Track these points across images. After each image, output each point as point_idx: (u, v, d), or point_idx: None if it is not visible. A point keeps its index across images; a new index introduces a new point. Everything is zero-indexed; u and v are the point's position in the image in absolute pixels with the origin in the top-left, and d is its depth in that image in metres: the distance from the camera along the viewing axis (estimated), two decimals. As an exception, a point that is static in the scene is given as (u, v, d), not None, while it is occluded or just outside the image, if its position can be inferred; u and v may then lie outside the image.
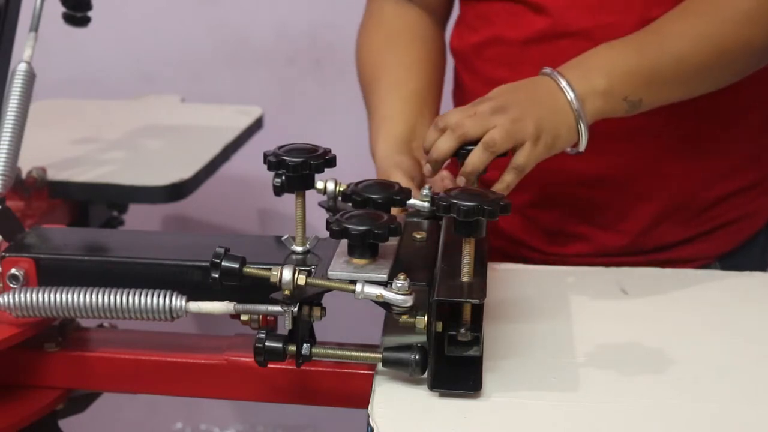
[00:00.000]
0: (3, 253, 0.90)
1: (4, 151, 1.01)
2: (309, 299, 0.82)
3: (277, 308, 0.82)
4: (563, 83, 0.94)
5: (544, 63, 0.98)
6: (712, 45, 0.97)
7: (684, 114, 1.07)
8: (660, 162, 1.10)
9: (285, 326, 0.82)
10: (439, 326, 0.81)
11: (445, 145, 0.93)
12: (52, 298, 0.87)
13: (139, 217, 1.51)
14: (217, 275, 0.81)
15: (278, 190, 0.91)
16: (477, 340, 0.81)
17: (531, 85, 0.97)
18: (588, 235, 1.14)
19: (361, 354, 0.84)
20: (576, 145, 0.96)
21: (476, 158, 0.91)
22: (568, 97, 0.94)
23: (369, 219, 0.83)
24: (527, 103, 0.93)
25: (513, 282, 1.02)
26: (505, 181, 0.92)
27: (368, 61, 1.19)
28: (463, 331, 0.81)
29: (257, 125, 1.54)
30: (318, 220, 1.20)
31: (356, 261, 0.84)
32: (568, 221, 1.15)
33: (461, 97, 1.22)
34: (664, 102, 1.00)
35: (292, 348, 0.82)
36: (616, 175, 1.11)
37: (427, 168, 0.95)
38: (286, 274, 0.79)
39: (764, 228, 1.20)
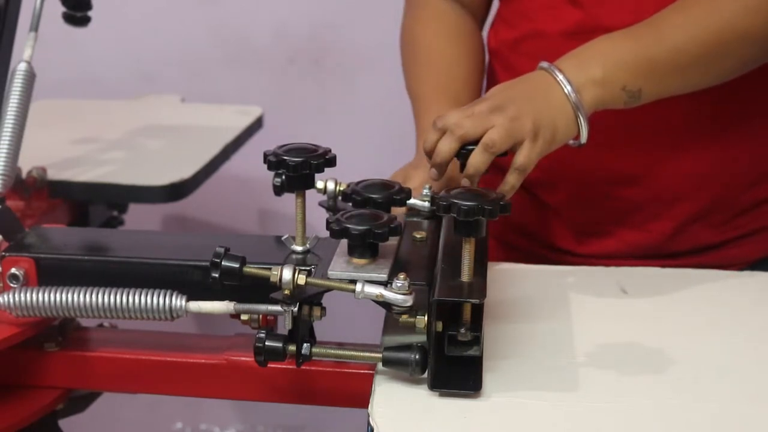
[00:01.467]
0: (3, 253, 0.90)
1: (4, 150, 1.01)
2: (309, 299, 0.82)
3: (277, 308, 0.82)
4: (559, 76, 0.94)
5: None
6: (710, 35, 0.97)
7: (722, 114, 1.07)
8: (696, 162, 1.10)
9: (285, 326, 0.82)
10: (439, 326, 0.81)
11: (446, 146, 0.92)
12: (52, 298, 0.87)
13: (139, 217, 1.51)
14: (217, 275, 0.81)
15: (278, 190, 0.91)
16: (477, 340, 0.81)
17: (527, 81, 0.97)
18: (620, 235, 1.14)
19: (361, 354, 0.84)
20: (577, 137, 0.95)
21: (477, 160, 0.91)
22: (565, 90, 0.94)
23: (369, 219, 0.83)
24: (524, 99, 0.93)
25: (513, 282, 1.02)
26: (509, 183, 0.92)
27: (425, 45, 1.19)
28: (463, 330, 0.81)
29: (257, 125, 1.54)
30: (318, 220, 1.21)
31: (356, 261, 0.84)
32: (602, 221, 1.15)
33: None
34: (665, 94, 1.00)
35: (292, 348, 0.82)
36: (652, 174, 1.11)
37: (432, 172, 0.95)
38: (286, 273, 0.79)
39: None
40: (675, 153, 1.10)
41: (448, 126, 0.93)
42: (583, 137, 0.95)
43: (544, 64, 0.97)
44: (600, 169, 1.11)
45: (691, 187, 1.11)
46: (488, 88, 1.24)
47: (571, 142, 0.96)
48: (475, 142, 0.92)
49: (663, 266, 1.06)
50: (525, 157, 0.91)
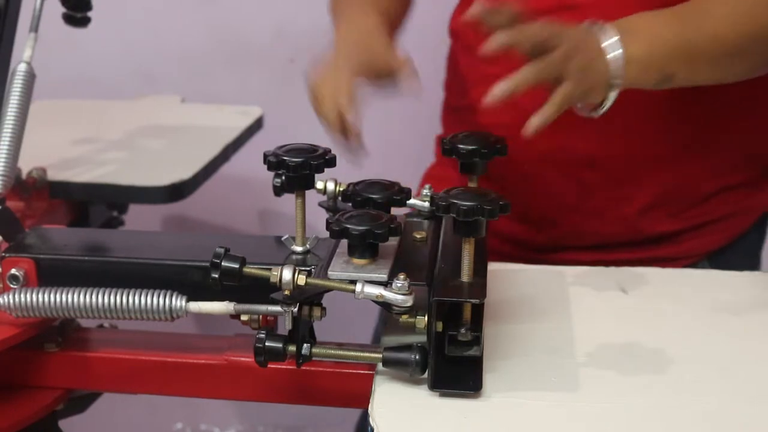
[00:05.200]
0: (3, 254, 0.90)
1: (4, 151, 1.01)
2: (309, 299, 0.82)
3: (277, 308, 0.82)
4: (606, 42, 0.92)
5: None
6: (752, 26, 0.97)
7: (687, 105, 1.07)
8: (655, 149, 1.11)
9: (285, 326, 0.82)
10: (440, 326, 0.81)
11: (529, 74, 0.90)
12: (52, 299, 0.87)
13: (139, 217, 1.51)
14: (217, 275, 0.81)
15: (278, 190, 0.91)
16: (477, 340, 0.81)
17: (584, 35, 0.94)
18: (581, 223, 1.15)
19: (361, 354, 0.84)
20: (596, 107, 0.94)
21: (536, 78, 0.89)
22: (612, 63, 0.92)
23: (369, 219, 0.83)
24: (583, 52, 0.91)
25: (513, 282, 1.02)
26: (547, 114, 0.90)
27: None
28: (463, 331, 0.81)
29: (257, 125, 1.54)
30: (318, 220, 1.20)
31: (356, 261, 0.84)
32: (561, 207, 1.15)
33: (455, 81, 1.22)
34: (693, 82, 0.99)
35: (292, 348, 0.82)
36: (608, 156, 1.11)
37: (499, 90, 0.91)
38: (286, 274, 0.79)
39: (753, 227, 1.20)
40: (629, 136, 1.10)
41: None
42: (604, 109, 0.94)
43: (596, 24, 0.94)
44: (558, 150, 1.10)
45: (646, 171, 1.12)
46: (449, 78, 1.25)
47: (586, 112, 0.95)
48: None
49: (626, 259, 1.07)
50: (562, 96, 0.89)
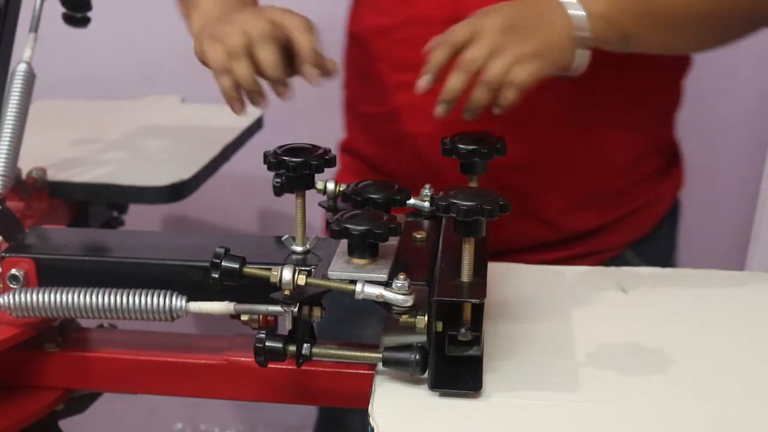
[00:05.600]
0: (3, 254, 0.90)
1: (4, 151, 1.01)
2: (309, 299, 0.82)
3: (277, 308, 0.82)
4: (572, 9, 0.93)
5: None
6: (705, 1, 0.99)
7: (596, 105, 1.09)
8: (572, 150, 1.12)
9: (285, 326, 0.82)
10: (440, 326, 0.81)
11: (458, 83, 0.90)
12: (52, 299, 0.87)
13: (139, 217, 1.51)
14: (217, 275, 0.81)
15: (278, 190, 0.91)
16: (477, 340, 0.81)
17: (533, 3, 0.94)
18: (506, 226, 1.15)
19: (362, 354, 0.84)
20: (568, 69, 0.95)
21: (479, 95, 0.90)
22: (573, 18, 0.92)
23: (369, 219, 0.83)
24: (532, 20, 0.92)
25: (513, 282, 1.02)
26: (508, 99, 0.90)
27: None
28: (463, 330, 0.81)
29: (257, 125, 1.54)
30: (318, 220, 1.20)
31: (356, 261, 0.84)
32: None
33: (366, 88, 1.18)
34: (656, 47, 1.00)
35: (292, 348, 0.82)
36: (536, 162, 1.12)
37: (439, 110, 0.92)
38: (286, 274, 0.79)
39: (668, 214, 1.23)
40: (547, 140, 1.11)
41: (464, 62, 0.90)
42: (581, 68, 0.94)
43: None
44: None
45: (566, 173, 1.13)
46: (349, 78, 1.22)
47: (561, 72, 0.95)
48: None
49: (558, 258, 1.08)
50: (527, 72, 0.89)
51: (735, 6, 1.01)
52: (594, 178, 1.14)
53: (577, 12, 0.93)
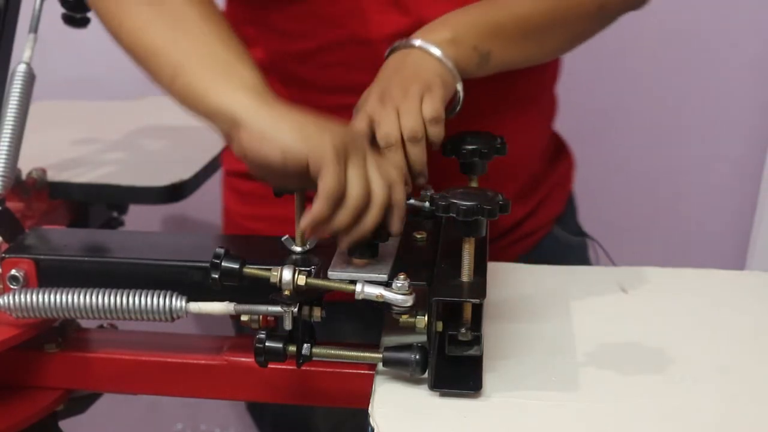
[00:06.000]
0: (3, 254, 0.90)
1: (4, 152, 1.01)
2: (309, 299, 0.82)
3: (277, 309, 0.82)
4: (416, 42, 0.94)
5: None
6: (550, 4, 1.01)
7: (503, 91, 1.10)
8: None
9: (284, 326, 0.82)
10: (440, 326, 0.81)
11: (397, 157, 0.89)
12: (52, 299, 0.87)
13: (139, 217, 1.51)
14: (217, 276, 0.81)
15: (278, 191, 0.91)
16: (477, 340, 0.81)
17: (388, 65, 0.95)
18: None
19: (362, 354, 0.84)
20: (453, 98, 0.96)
21: (414, 153, 0.89)
22: (428, 50, 0.94)
23: (369, 219, 0.83)
24: (399, 75, 0.92)
25: (513, 282, 1.02)
26: (435, 136, 0.90)
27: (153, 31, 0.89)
28: (463, 330, 0.81)
29: (257, 126, 1.54)
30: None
31: (356, 261, 0.84)
32: None
33: None
34: (510, 63, 1.02)
35: (293, 348, 0.82)
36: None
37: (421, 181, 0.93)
38: (286, 274, 0.79)
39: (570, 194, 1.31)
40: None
41: (382, 142, 0.89)
42: (458, 105, 0.95)
43: (395, 45, 0.96)
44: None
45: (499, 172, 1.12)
46: None
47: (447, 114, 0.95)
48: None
49: (495, 248, 1.09)
50: (430, 106, 0.90)
51: (588, 3, 1.03)
52: (520, 170, 1.17)
53: (429, 46, 0.94)
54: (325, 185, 0.78)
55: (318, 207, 0.78)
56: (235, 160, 0.94)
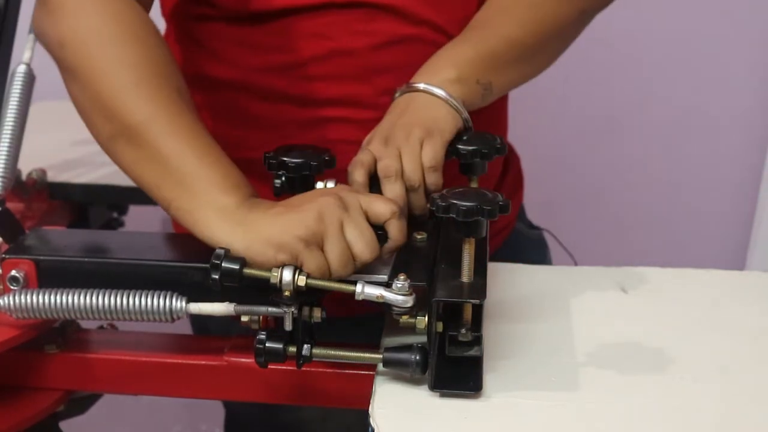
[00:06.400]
0: (3, 255, 0.90)
1: (4, 152, 1.01)
2: (309, 300, 0.82)
3: (278, 309, 0.82)
4: (420, 86, 0.95)
5: (399, 64, 1.01)
6: (537, 26, 1.03)
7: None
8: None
9: (285, 327, 0.82)
10: (440, 326, 0.81)
11: (398, 190, 0.91)
12: (52, 300, 0.87)
13: (139, 218, 1.51)
14: (217, 276, 0.81)
15: (278, 191, 0.91)
16: (477, 340, 0.81)
17: (393, 109, 0.96)
18: None
19: (362, 354, 0.84)
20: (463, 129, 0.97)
21: (415, 200, 0.91)
22: (434, 92, 0.95)
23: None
24: (403, 119, 0.94)
25: (513, 282, 1.02)
26: (433, 183, 0.92)
27: (109, 90, 0.88)
28: (463, 331, 0.81)
29: (257, 126, 1.54)
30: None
31: (356, 262, 0.84)
32: None
33: (253, 134, 1.08)
34: (508, 87, 1.04)
35: (293, 349, 0.82)
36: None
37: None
38: (287, 275, 0.79)
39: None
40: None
41: (381, 175, 0.90)
42: (467, 119, 0.96)
43: (398, 91, 0.97)
44: None
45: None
46: (236, 121, 1.09)
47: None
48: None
49: None
50: (431, 153, 0.91)
51: (569, 8, 1.05)
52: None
53: (432, 88, 0.95)
54: (310, 270, 0.81)
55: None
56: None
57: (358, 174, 0.90)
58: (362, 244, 0.82)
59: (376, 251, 0.83)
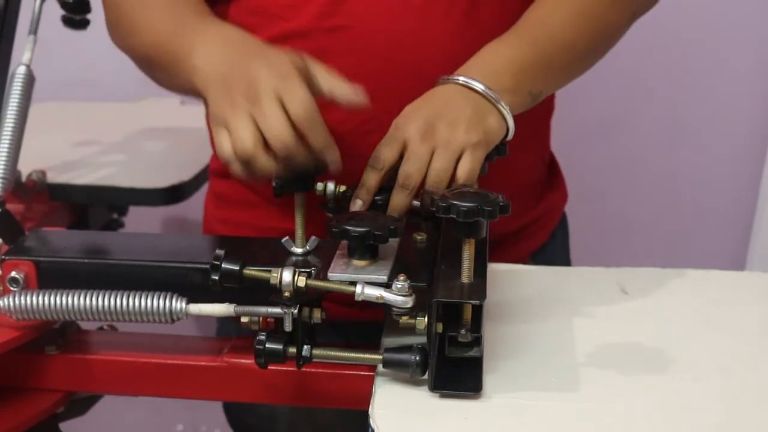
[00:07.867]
0: (3, 256, 0.90)
1: (4, 154, 1.01)
2: (309, 301, 0.82)
3: (278, 310, 0.82)
4: (480, 87, 0.93)
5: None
6: (593, 25, 1.01)
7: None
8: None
9: (285, 328, 0.82)
10: (440, 327, 0.81)
11: (402, 201, 0.90)
12: (52, 301, 0.87)
13: (138, 219, 1.51)
14: (217, 277, 0.81)
15: (278, 191, 0.91)
16: (477, 341, 0.81)
17: (441, 95, 0.94)
18: None
19: (362, 355, 0.84)
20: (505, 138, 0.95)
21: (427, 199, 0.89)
22: (488, 96, 0.93)
23: (369, 220, 0.83)
24: (448, 113, 0.91)
25: (513, 282, 1.02)
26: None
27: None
28: (463, 332, 0.81)
29: (257, 127, 1.54)
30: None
31: (356, 262, 0.84)
32: None
33: None
34: (560, 86, 1.03)
35: (293, 349, 0.82)
36: None
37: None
38: (286, 275, 0.79)
39: (560, 224, 1.25)
40: None
41: (402, 181, 0.89)
42: (511, 132, 0.95)
43: (456, 77, 0.94)
44: None
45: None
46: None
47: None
48: None
49: None
50: (468, 165, 0.90)
51: (621, 11, 1.03)
52: (513, 184, 1.12)
53: (491, 92, 0.93)
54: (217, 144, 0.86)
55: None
56: (215, 157, 0.96)
57: (372, 178, 0.90)
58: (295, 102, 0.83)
59: (311, 110, 0.83)
